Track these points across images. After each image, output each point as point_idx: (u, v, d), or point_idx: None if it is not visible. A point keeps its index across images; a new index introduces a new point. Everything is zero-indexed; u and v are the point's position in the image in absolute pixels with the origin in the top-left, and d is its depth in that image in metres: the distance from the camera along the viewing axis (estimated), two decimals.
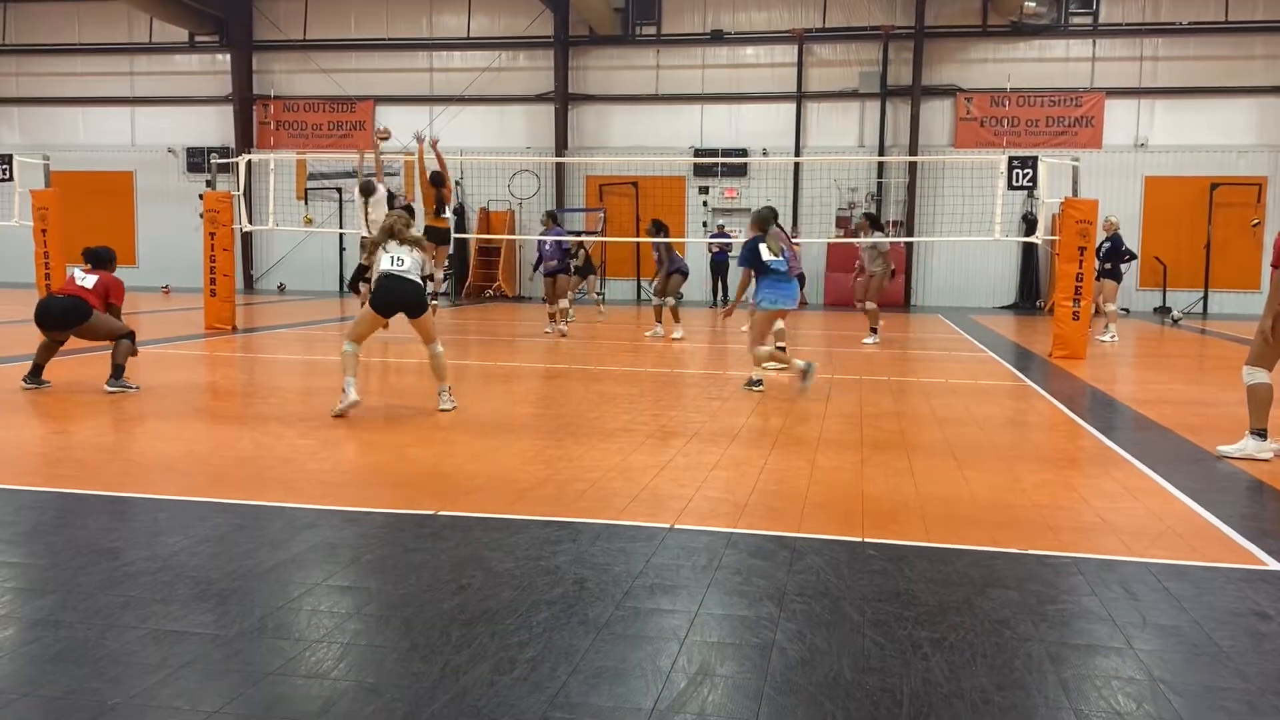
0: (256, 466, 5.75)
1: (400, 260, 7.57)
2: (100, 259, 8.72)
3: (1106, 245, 14.96)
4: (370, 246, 7.93)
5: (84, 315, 8.30)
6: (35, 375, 8.44)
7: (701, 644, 3.20)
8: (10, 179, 15.20)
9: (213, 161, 16.34)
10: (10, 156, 15.29)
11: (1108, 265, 15.01)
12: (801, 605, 3.55)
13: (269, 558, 3.99)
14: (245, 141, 25.50)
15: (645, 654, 3.12)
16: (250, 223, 17.14)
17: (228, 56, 25.97)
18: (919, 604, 3.59)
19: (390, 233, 7.65)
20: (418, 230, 8.08)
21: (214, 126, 26.30)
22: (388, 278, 7.52)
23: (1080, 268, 12.31)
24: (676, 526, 4.53)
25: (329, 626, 3.30)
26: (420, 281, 7.65)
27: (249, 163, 15.40)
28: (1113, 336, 14.73)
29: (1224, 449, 6.40)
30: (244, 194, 15.70)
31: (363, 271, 9.39)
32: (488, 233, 24.25)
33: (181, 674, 2.91)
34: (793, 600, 3.60)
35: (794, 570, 3.94)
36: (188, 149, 26.37)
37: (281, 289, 25.47)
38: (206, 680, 2.88)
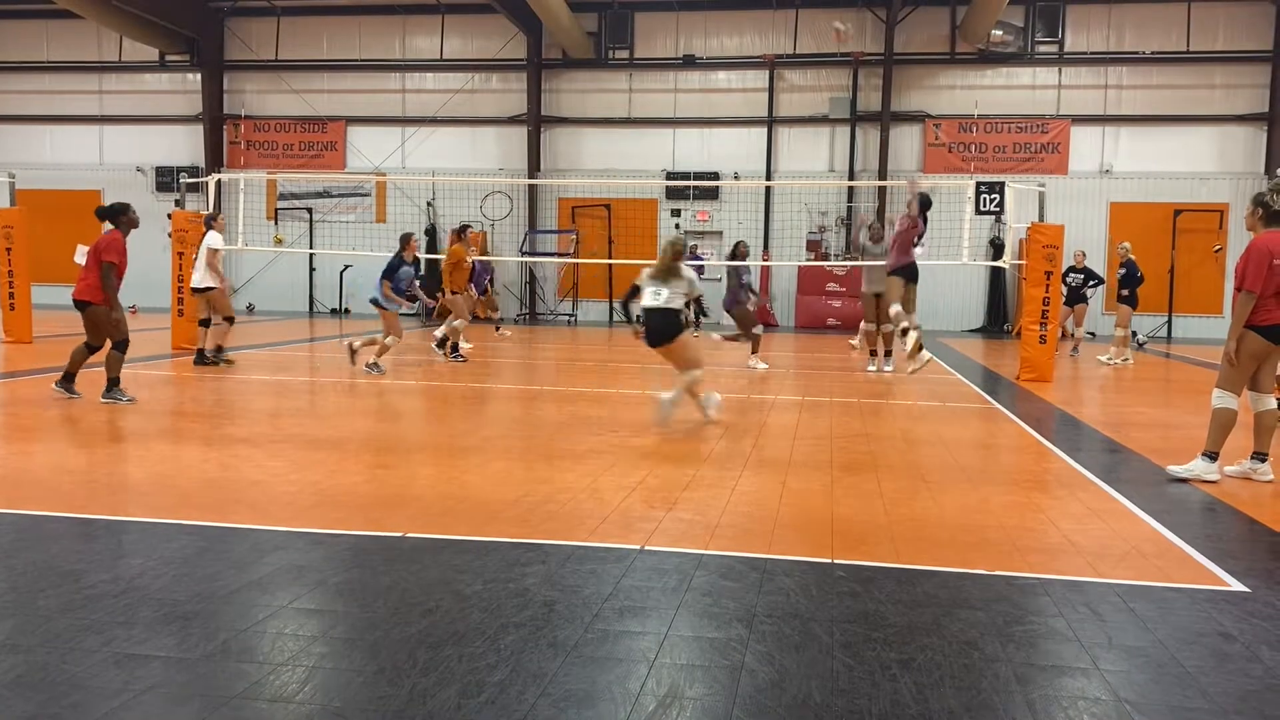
0: (223, 488, 5.68)
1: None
2: (104, 213, 9.30)
3: (1122, 271, 15.10)
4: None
5: (81, 307, 8.99)
6: (67, 381, 8.96)
7: (671, 666, 3.19)
8: None
9: (182, 181, 16.25)
10: None
11: (1124, 291, 15.13)
12: (771, 627, 3.56)
13: (234, 580, 3.94)
14: (215, 161, 25.32)
15: (614, 676, 3.11)
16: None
17: (198, 76, 25.81)
18: (888, 625, 3.61)
19: None
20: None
21: (184, 146, 26.11)
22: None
23: (1047, 291, 12.46)
24: (647, 548, 4.52)
25: (295, 649, 3.27)
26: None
27: (219, 182, 15.27)
28: (1126, 360, 14.86)
29: (1174, 469, 6.50)
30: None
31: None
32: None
33: (144, 698, 2.86)
34: (762, 622, 3.60)
35: (764, 592, 3.95)
36: (157, 168, 26.15)
37: (251, 309, 25.25)
38: (169, 704, 2.83)
